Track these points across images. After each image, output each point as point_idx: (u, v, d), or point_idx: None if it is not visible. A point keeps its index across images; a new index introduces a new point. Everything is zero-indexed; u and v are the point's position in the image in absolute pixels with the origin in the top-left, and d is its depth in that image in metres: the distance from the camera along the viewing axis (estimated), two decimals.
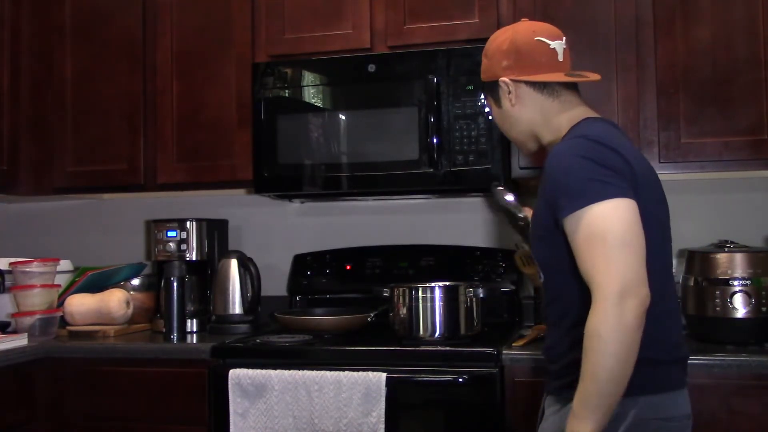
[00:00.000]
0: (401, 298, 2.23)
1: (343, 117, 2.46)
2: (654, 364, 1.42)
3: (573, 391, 1.38)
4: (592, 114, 1.61)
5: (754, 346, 2.05)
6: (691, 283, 2.18)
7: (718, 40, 2.25)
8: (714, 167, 2.28)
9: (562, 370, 1.51)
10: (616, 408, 1.35)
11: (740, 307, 2.07)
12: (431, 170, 2.33)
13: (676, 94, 2.27)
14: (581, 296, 1.40)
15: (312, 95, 2.49)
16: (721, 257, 2.11)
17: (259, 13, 2.59)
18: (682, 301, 2.26)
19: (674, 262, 2.51)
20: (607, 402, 1.32)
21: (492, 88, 1.66)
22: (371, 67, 2.41)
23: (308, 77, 2.49)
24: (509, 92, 1.62)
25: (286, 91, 2.50)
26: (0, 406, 2.19)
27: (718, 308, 2.10)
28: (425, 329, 2.20)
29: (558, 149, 1.51)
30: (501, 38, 1.66)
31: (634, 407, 1.40)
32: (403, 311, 2.23)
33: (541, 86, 1.61)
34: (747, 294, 2.07)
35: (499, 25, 2.40)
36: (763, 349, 2.01)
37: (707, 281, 2.13)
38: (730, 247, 2.15)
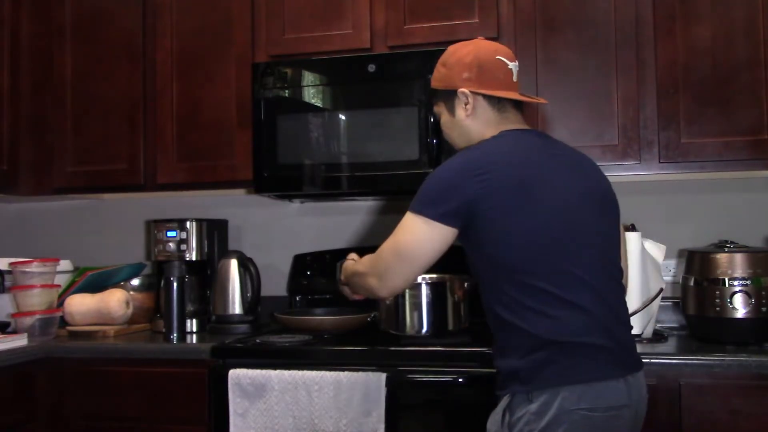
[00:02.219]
0: None
1: (343, 117, 2.46)
2: (569, 355, 1.53)
3: (502, 393, 1.63)
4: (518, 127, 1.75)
5: (754, 346, 2.04)
6: (691, 283, 2.18)
7: (718, 40, 2.25)
8: (714, 167, 2.28)
9: (497, 370, 1.68)
10: (541, 399, 1.52)
11: (740, 307, 2.07)
12: (431, 170, 2.32)
13: (676, 94, 2.27)
14: (493, 293, 1.63)
15: (312, 95, 2.49)
16: (721, 257, 2.11)
17: (259, 13, 2.59)
18: (682, 301, 2.26)
19: (674, 262, 2.53)
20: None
21: (447, 97, 1.77)
22: (371, 67, 2.41)
23: (308, 77, 2.49)
24: (467, 103, 1.73)
25: (286, 91, 2.50)
26: (0, 406, 2.19)
27: (718, 308, 2.10)
28: (411, 325, 2.21)
29: (454, 156, 1.71)
30: (463, 51, 1.75)
31: (557, 398, 1.51)
32: (389, 306, 2.23)
33: (495, 101, 1.73)
34: (747, 294, 2.07)
35: (499, 25, 2.40)
36: (763, 349, 2.01)
37: (707, 281, 2.13)
38: (730, 247, 2.15)
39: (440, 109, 1.80)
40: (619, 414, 1.53)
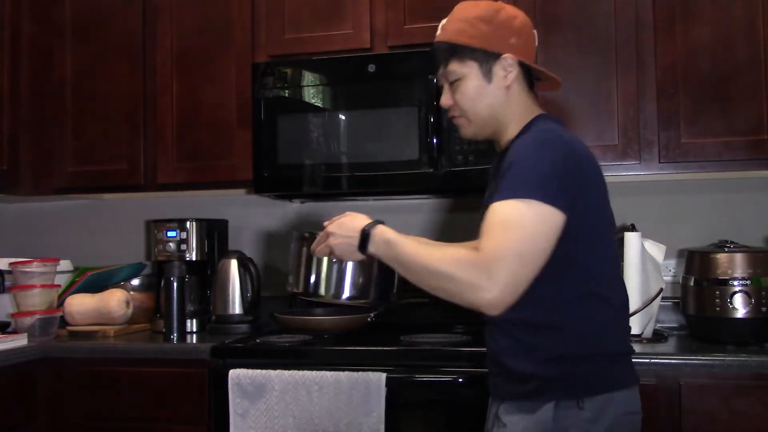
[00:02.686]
0: (299, 243, 1.77)
1: (343, 117, 2.46)
2: (616, 360, 1.53)
3: (539, 401, 1.47)
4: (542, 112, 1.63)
5: (754, 346, 2.05)
6: (691, 283, 2.18)
7: (718, 40, 2.25)
8: (714, 167, 2.28)
9: (524, 376, 1.51)
10: (594, 405, 1.45)
11: (740, 307, 2.07)
12: (431, 170, 2.33)
13: (676, 94, 2.27)
14: (537, 294, 1.42)
15: (312, 95, 2.49)
16: (721, 257, 2.12)
17: (259, 13, 2.59)
18: (682, 301, 2.26)
19: (674, 262, 2.53)
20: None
21: (484, 59, 1.56)
22: (371, 67, 2.41)
23: (308, 77, 2.49)
24: (509, 72, 1.56)
25: (286, 91, 2.50)
26: (0, 406, 2.19)
27: (718, 308, 2.10)
28: (328, 287, 1.70)
29: (535, 135, 1.51)
30: (510, 12, 1.60)
31: (612, 403, 1.47)
32: (301, 261, 1.75)
33: (528, 76, 1.60)
34: (747, 294, 2.07)
35: None
36: (763, 349, 2.01)
37: (707, 281, 2.13)
38: (730, 247, 2.15)
39: (467, 70, 1.57)
40: (641, 417, 1.56)
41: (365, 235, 1.52)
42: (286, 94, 2.50)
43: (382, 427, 1.99)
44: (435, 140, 2.32)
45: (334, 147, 2.44)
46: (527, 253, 1.37)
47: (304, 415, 2.04)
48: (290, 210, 2.91)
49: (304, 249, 1.71)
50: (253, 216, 2.94)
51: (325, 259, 1.66)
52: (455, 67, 1.57)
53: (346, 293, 1.68)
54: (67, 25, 2.77)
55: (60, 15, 2.77)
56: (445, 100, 1.62)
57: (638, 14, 2.31)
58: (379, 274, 1.65)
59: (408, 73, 2.38)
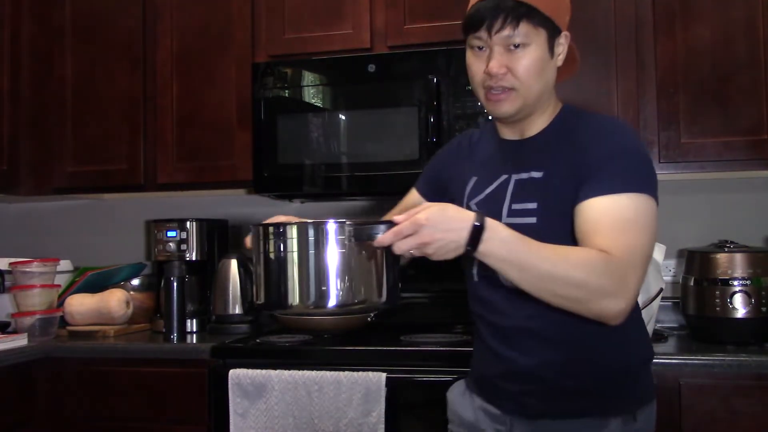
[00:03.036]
0: (265, 242, 1.32)
1: (343, 117, 2.46)
2: (651, 365, 1.52)
3: (600, 418, 1.38)
4: None
5: (754, 346, 2.05)
6: (691, 283, 2.18)
7: (718, 40, 2.25)
8: (714, 167, 2.28)
9: (576, 392, 1.40)
10: (643, 415, 1.42)
11: (740, 307, 2.07)
12: None
13: (676, 94, 2.27)
14: None
15: (312, 95, 2.49)
16: (721, 257, 2.12)
17: (259, 13, 2.60)
18: (682, 301, 2.26)
19: (674, 262, 2.53)
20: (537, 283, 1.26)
21: (552, 31, 1.42)
22: (371, 67, 2.41)
23: (308, 77, 2.49)
24: (562, 52, 1.45)
25: (286, 91, 2.50)
26: (0, 406, 2.19)
27: (718, 308, 2.10)
28: (304, 293, 1.28)
29: (618, 123, 1.45)
30: None
31: (654, 412, 1.47)
32: (265, 267, 1.33)
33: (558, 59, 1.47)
34: (747, 294, 2.07)
35: None
36: (763, 349, 2.01)
37: (707, 281, 2.13)
38: (730, 247, 2.15)
39: (536, 38, 1.39)
40: None
41: (478, 230, 1.22)
42: (286, 94, 2.50)
43: (382, 427, 1.99)
44: (435, 140, 2.32)
45: (334, 147, 2.44)
46: (650, 256, 1.31)
47: (304, 415, 2.04)
48: (290, 210, 2.91)
49: (270, 244, 1.30)
50: (253, 216, 2.94)
51: (295, 257, 1.26)
52: (525, 29, 1.37)
53: (332, 300, 1.25)
54: (67, 26, 2.77)
55: (60, 15, 2.77)
56: (498, 65, 1.38)
57: (638, 14, 2.31)
58: (378, 269, 1.28)
59: (408, 73, 2.38)
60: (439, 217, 1.22)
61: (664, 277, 2.30)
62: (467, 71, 1.46)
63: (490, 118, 1.60)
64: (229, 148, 2.60)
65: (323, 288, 1.25)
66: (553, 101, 1.48)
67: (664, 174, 2.32)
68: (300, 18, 2.56)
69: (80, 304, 2.60)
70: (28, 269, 2.49)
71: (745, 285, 2.07)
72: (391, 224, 1.23)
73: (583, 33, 2.34)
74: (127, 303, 2.62)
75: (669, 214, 2.56)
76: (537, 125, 1.47)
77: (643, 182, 1.31)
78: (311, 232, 1.27)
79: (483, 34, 1.39)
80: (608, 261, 1.23)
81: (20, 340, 2.32)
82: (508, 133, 1.52)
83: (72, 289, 2.70)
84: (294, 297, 1.27)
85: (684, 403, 1.92)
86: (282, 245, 1.28)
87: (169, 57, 2.67)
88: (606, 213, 1.29)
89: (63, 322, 2.60)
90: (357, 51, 2.48)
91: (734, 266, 2.09)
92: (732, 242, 2.17)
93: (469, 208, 1.47)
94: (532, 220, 1.39)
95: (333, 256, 1.25)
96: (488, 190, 1.49)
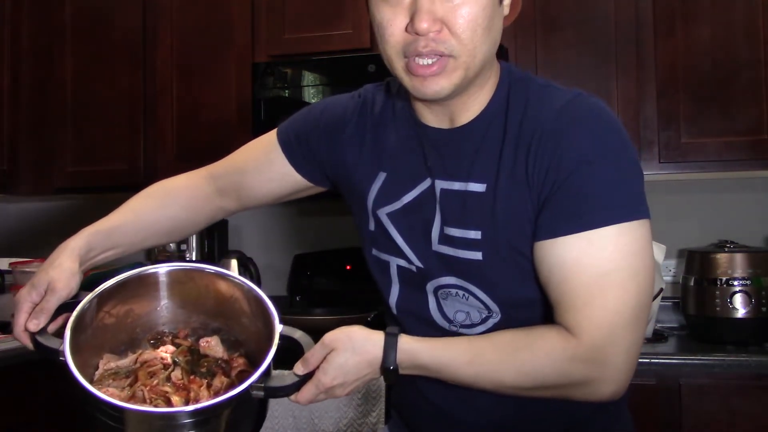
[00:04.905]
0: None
1: None
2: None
3: None
4: None
5: (754, 346, 2.05)
6: (691, 283, 2.18)
7: (718, 40, 2.25)
8: (714, 167, 2.28)
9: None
10: None
11: (740, 307, 2.07)
12: None
13: (676, 94, 2.27)
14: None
15: (312, 95, 2.49)
16: (721, 257, 2.12)
17: (259, 13, 2.59)
18: (682, 301, 2.26)
19: (674, 262, 2.53)
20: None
21: None
22: (371, 67, 2.40)
23: (308, 77, 2.49)
24: (510, 5, 1.05)
25: (286, 91, 2.50)
26: (0, 406, 2.19)
27: (718, 308, 2.10)
28: None
29: (590, 104, 1.01)
30: None
31: None
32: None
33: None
34: (747, 294, 2.07)
35: None
36: (763, 349, 2.01)
37: (707, 281, 2.13)
38: (730, 247, 2.15)
39: None
40: None
41: (391, 374, 0.99)
42: (286, 94, 2.50)
43: (382, 427, 1.99)
44: None
45: None
46: (644, 307, 0.97)
47: (304, 414, 2.04)
48: (290, 210, 2.91)
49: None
50: (253, 216, 2.94)
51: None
52: None
53: None
54: (67, 26, 2.77)
55: (60, 15, 2.77)
56: (429, 18, 0.94)
57: (638, 14, 2.31)
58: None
59: None
60: (344, 371, 0.98)
61: (664, 277, 2.30)
62: (375, 29, 1.02)
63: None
64: (229, 148, 2.58)
65: None
66: (494, 70, 1.06)
67: (664, 174, 2.32)
68: (300, 18, 2.56)
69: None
70: (28, 269, 2.49)
71: (745, 285, 2.07)
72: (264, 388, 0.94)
73: (583, 33, 2.34)
74: None
75: (669, 214, 2.57)
76: (473, 106, 1.05)
77: (633, 199, 0.97)
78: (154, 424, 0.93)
79: None
80: (577, 351, 0.94)
81: None
82: (429, 117, 1.08)
83: None
84: None
85: (684, 403, 1.92)
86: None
87: (169, 57, 2.67)
88: (580, 267, 0.95)
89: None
90: (357, 51, 2.48)
91: (734, 266, 2.09)
92: (732, 242, 2.17)
93: (377, 219, 1.12)
94: (477, 255, 1.03)
95: None
96: (406, 200, 1.10)
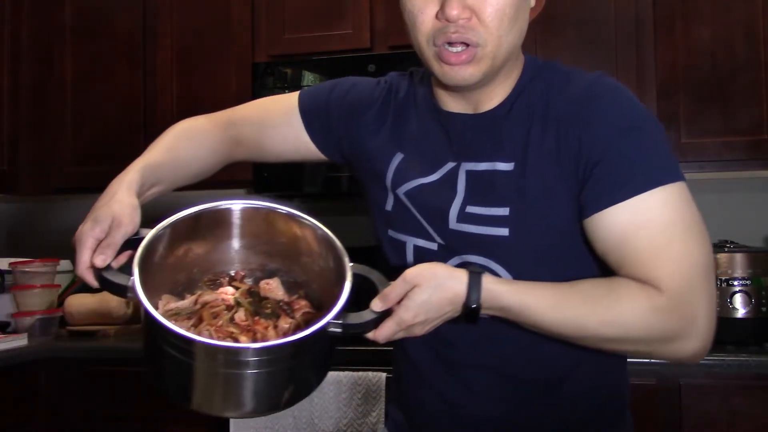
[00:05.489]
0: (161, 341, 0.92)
1: None
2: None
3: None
4: None
5: (754, 346, 2.05)
6: None
7: (718, 40, 2.26)
8: (714, 167, 2.28)
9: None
10: None
11: (740, 307, 2.07)
12: None
13: (676, 94, 2.27)
14: None
15: None
16: (721, 257, 2.11)
17: (259, 13, 2.60)
18: None
19: None
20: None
21: None
22: (371, 67, 2.41)
23: (308, 77, 2.49)
24: None
25: (286, 91, 2.49)
26: (0, 406, 2.19)
27: (718, 308, 2.08)
28: (215, 403, 1.02)
29: (610, 83, 1.04)
30: None
31: None
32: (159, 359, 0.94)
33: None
34: (747, 294, 2.07)
35: None
36: (763, 349, 2.01)
37: None
38: (730, 247, 2.15)
39: None
40: None
41: (473, 313, 0.97)
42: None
43: (382, 427, 1.99)
44: None
45: None
46: (710, 260, 1.00)
47: (304, 414, 2.04)
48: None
49: (170, 348, 0.89)
50: None
51: (204, 371, 0.91)
52: None
53: (250, 410, 0.95)
54: (67, 26, 2.77)
55: (60, 15, 2.78)
56: (459, 7, 0.98)
57: (638, 14, 2.31)
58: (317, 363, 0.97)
59: None
60: (426, 308, 0.96)
61: None
62: (405, 18, 1.04)
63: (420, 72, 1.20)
64: None
65: (241, 401, 0.93)
66: (519, 60, 1.11)
67: None
68: (300, 18, 2.56)
69: (80, 304, 2.60)
70: (28, 269, 2.49)
71: (745, 285, 2.07)
72: (341, 324, 0.94)
73: (583, 33, 2.34)
74: (127, 303, 2.62)
75: None
76: (498, 94, 1.08)
77: (669, 163, 0.99)
78: (236, 356, 0.87)
79: None
80: (660, 301, 0.94)
81: (20, 340, 2.32)
82: (452, 104, 1.11)
83: (72, 289, 2.70)
84: (202, 403, 0.99)
85: (684, 403, 1.92)
86: (188, 357, 0.89)
87: (169, 57, 2.67)
88: (637, 227, 0.96)
89: (63, 322, 2.60)
90: (357, 51, 2.48)
91: (734, 266, 2.09)
92: (732, 242, 2.17)
93: (396, 197, 1.13)
94: (503, 231, 1.03)
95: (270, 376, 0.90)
96: (426, 180, 1.11)
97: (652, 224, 0.95)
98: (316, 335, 0.89)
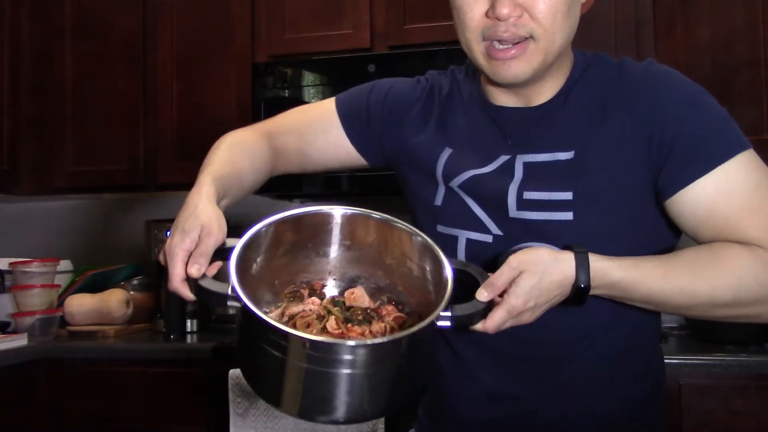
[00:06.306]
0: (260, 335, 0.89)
1: None
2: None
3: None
4: None
5: (754, 346, 2.04)
6: None
7: (718, 40, 2.26)
8: None
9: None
10: None
11: None
12: None
13: None
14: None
15: (312, 95, 2.49)
16: None
17: (259, 13, 2.60)
18: None
19: None
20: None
21: None
22: (371, 67, 2.41)
23: (308, 77, 2.49)
24: None
25: (286, 91, 2.50)
26: (0, 406, 2.19)
27: None
28: (307, 407, 0.91)
29: (662, 66, 1.08)
30: None
31: None
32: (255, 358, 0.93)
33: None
34: None
35: None
36: (763, 349, 2.01)
37: None
38: None
39: None
40: None
41: (582, 293, 0.96)
42: (286, 94, 2.50)
43: (382, 427, 1.99)
44: None
45: None
46: None
47: None
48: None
49: (270, 342, 0.87)
50: (253, 216, 2.93)
51: (302, 371, 0.86)
52: None
53: (341, 415, 0.88)
54: (67, 26, 2.77)
55: (60, 15, 2.77)
56: (510, 3, 0.97)
57: (638, 14, 2.31)
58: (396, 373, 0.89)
59: (408, 74, 2.36)
60: (536, 293, 0.94)
61: None
62: (453, 14, 1.05)
63: (464, 68, 1.21)
64: None
65: (334, 404, 0.88)
66: (569, 56, 1.10)
67: None
68: (300, 18, 2.56)
69: (80, 304, 2.60)
70: (28, 269, 2.49)
71: None
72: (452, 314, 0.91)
73: (583, 33, 2.34)
74: (127, 303, 2.62)
75: None
76: (549, 88, 1.08)
77: (738, 133, 1.04)
78: (343, 354, 0.84)
79: None
80: (767, 258, 0.94)
81: (20, 340, 2.32)
82: (503, 99, 1.11)
83: (72, 289, 2.70)
84: (291, 406, 0.91)
85: (684, 403, 1.92)
86: (286, 353, 0.86)
87: (169, 57, 2.67)
88: (726, 195, 0.97)
89: (63, 322, 2.60)
90: (357, 51, 2.48)
91: None
92: None
93: (449, 190, 1.12)
94: (567, 215, 1.02)
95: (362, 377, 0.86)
96: (480, 171, 1.10)
97: (740, 190, 0.97)
98: (427, 328, 0.87)
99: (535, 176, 1.05)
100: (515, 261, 0.95)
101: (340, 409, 0.87)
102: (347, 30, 2.51)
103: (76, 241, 3.07)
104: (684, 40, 2.28)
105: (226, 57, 2.62)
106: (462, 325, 0.93)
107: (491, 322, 0.94)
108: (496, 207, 1.06)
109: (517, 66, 1.00)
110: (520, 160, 1.06)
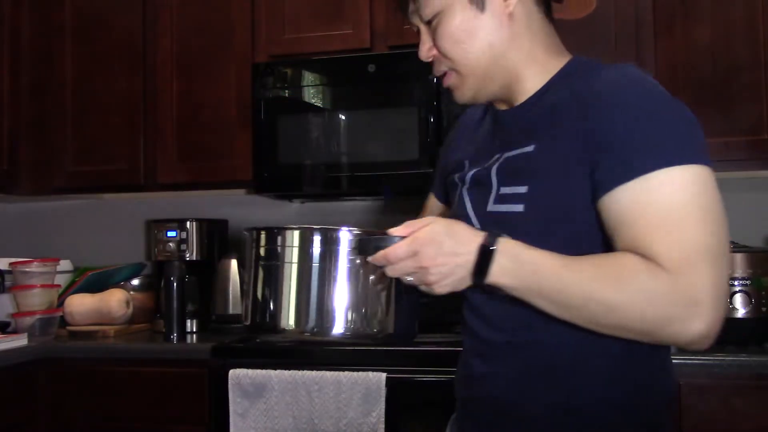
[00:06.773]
0: (257, 248, 1.10)
1: (343, 117, 2.46)
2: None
3: None
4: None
5: (754, 346, 2.05)
6: None
7: (718, 40, 2.25)
8: (714, 167, 2.27)
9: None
10: None
11: (740, 307, 2.07)
12: (431, 170, 2.33)
13: (676, 94, 2.25)
14: None
15: (312, 95, 2.49)
16: None
17: (259, 13, 2.59)
18: None
19: None
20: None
21: None
22: (371, 67, 2.41)
23: (308, 77, 2.49)
24: None
25: (286, 91, 2.50)
26: (0, 406, 2.19)
27: None
28: (301, 316, 1.07)
29: (635, 73, 1.07)
30: None
31: None
32: (254, 280, 1.10)
33: (548, 6, 1.19)
34: (747, 294, 2.07)
35: None
36: (763, 349, 2.01)
37: None
38: (730, 247, 2.15)
39: (445, 3, 1.10)
40: None
41: (486, 255, 0.98)
42: (286, 94, 2.50)
43: (382, 427, 1.99)
44: (435, 140, 2.32)
45: (334, 147, 2.45)
46: (722, 244, 0.97)
47: (304, 415, 2.04)
48: (290, 210, 2.91)
49: (263, 251, 1.07)
50: (253, 216, 2.94)
51: (293, 274, 1.04)
52: (427, 8, 1.12)
53: (338, 326, 1.04)
54: (67, 26, 2.77)
55: (60, 15, 2.77)
56: (425, 50, 1.13)
57: (638, 14, 2.31)
58: (394, 293, 1.09)
59: (408, 74, 2.38)
60: (443, 236, 0.98)
61: None
62: None
63: None
64: (229, 148, 2.60)
65: (327, 310, 1.02)
66: (533, 57, 1.14)
67: None
68: (300, 18, 2.56)
69: (80, 304, 2.60)
70: (28, 269, 2.49)
71: (745, 285, 2.07)
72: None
73: (583, 33, 2.34)
74: (127, 303, 2.62)
75: None
76: (527, 89, 1.14)
77: (686, 146, 1.01)
78: (317, 240, 1.03)
79: (407, 14, 1.19)
80: (661, 275, 0.94)
81: (20, 340, 2.32)
82: (499, 104, 1.21)
83: (72, 289, 2.70)
84: (288, 319, 1.04)
85: (684, 403, 1.92)
86: (279, 254, 1.03)
87: (169, 57, 2.67)
88: (643, 206, 0.96)
89: (63, 322, 2.60)
90: (357, 51, 2.48)
91: (734, 266, 2.09)
92: (732, 242, 2.17)
93: (460, 197, 1.20)
94: (519, 207, 1.08)
95: (343, 272, 1.02)
96: (477, 170, 1.19)
97: (660, 205, 0.96)
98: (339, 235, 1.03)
99: (507, 171, 1.12)
100: (435, 218, 1.04)
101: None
102: (347, 30, 2.51)
103: (76, 241, 3.07)
104: (684, 40, 2.28)
105: (226, 57, 2.62)
106: (367, 248, 1.02)
107: (392, 250, 1.00)
108: (482, 203, 1.15)
109: (456, 93, 1.16)
110: (505, 155, 1.14)
